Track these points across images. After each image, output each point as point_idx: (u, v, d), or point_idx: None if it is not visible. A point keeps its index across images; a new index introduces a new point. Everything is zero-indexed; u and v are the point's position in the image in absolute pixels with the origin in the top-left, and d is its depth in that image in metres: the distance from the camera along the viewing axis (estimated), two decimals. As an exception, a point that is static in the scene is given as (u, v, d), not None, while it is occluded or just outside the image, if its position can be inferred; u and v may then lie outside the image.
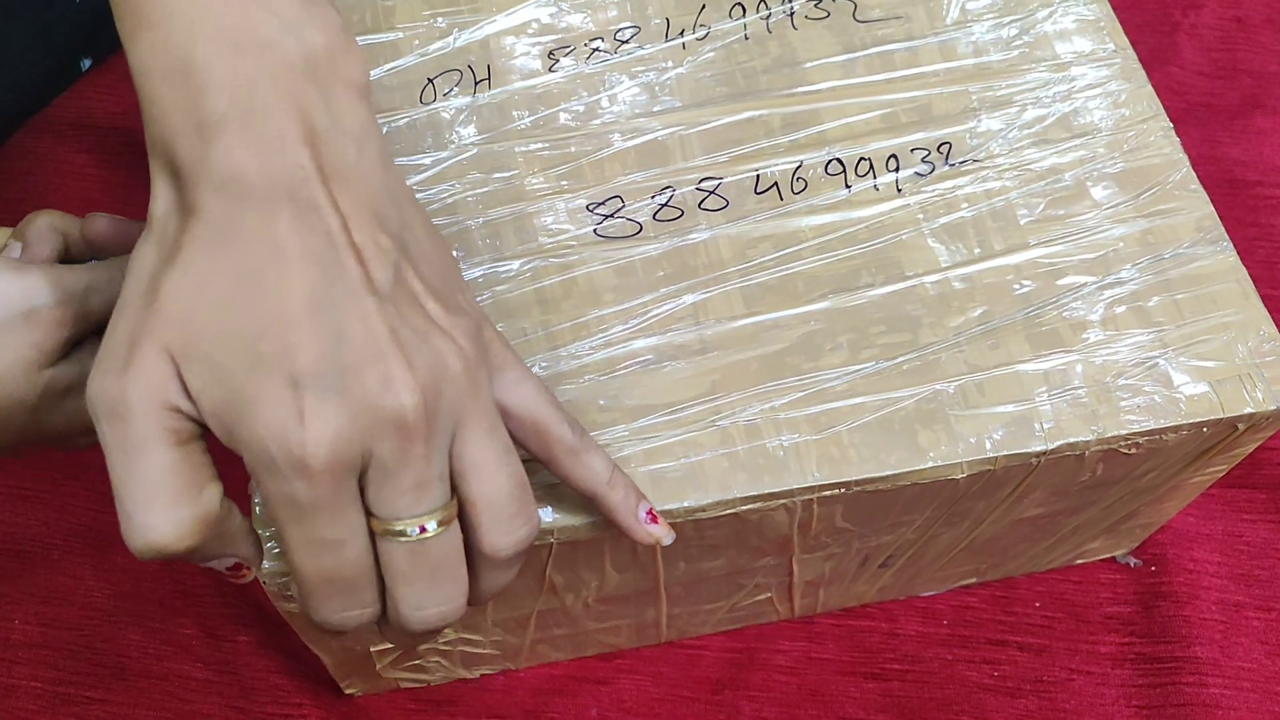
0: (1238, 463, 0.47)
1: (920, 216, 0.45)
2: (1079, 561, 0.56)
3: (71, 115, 0.66)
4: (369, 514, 0.31)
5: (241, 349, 0.29)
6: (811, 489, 0.39)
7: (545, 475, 0.37)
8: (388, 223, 0.32)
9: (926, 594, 0.56)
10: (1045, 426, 0.41)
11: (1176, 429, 0.41)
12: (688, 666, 0.53)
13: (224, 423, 0.29)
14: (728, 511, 0.40)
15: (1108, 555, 0.56)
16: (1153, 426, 0.41)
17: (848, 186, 0.45)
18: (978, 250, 0.44)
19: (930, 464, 0.40)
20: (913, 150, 0.46)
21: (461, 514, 0.32)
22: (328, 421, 0.29)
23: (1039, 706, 0.53)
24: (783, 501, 0.40)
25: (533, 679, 0.53)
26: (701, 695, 0.53)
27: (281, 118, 0.30)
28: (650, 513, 0.37)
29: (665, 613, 0.50)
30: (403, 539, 0.31)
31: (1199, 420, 0.41)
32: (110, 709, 0.52)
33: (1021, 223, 0.45)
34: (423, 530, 0.31)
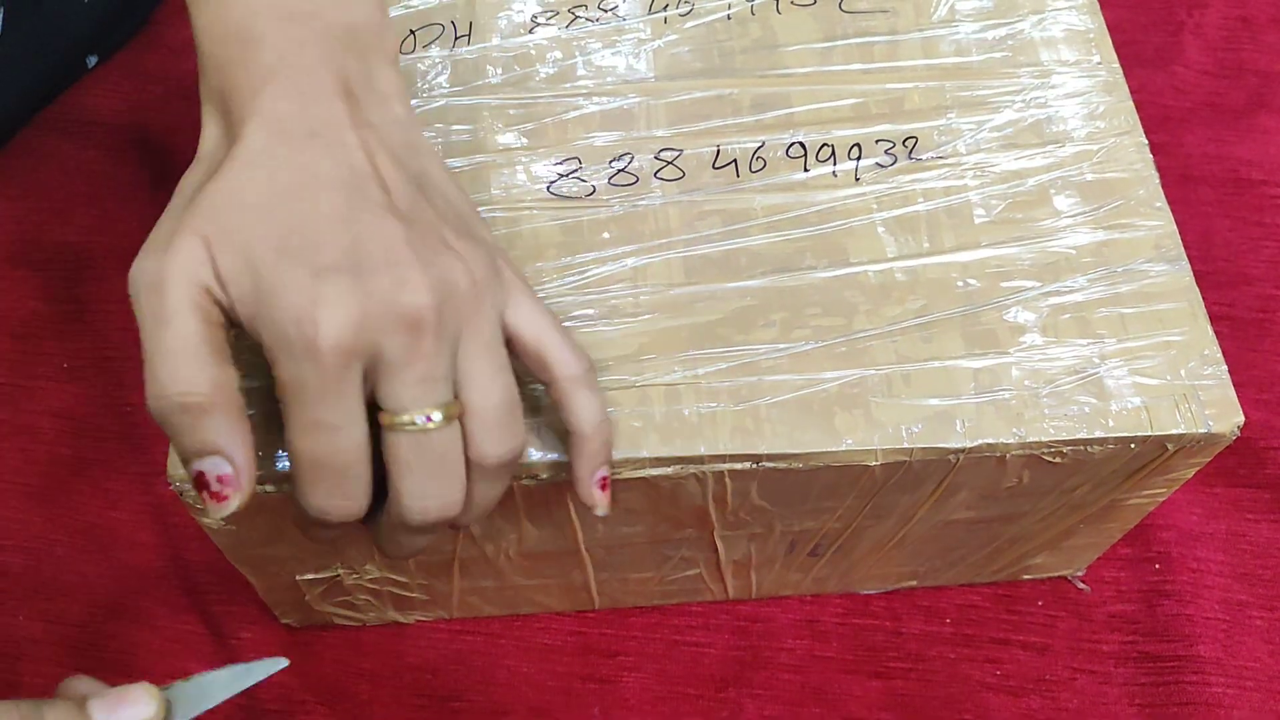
0: (1179, 486, 0.46)
1: (874, 206, 0.45)
2: (1026, 577, 0.56)
3: (77, 112, 0.68)
4: (379, 409, 0.33)
5: (271, 242, 0.32)
6: (721, 458, 0.40)
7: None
8: (408, 166, 0.36)
9: (866, 591, 0.56)
10: (967, 424, 0.40)
11: (1102, 441, 0.41)
12: (691, 664, 0.53)
13: (248, 308, 0.32)
14: (638, 474, 0.40)
15: (1056, 574, 0.56)
16: (1078, 436, 0.41)
17: (806, 170, 0.45)
18: (927, 245, 0.44)
19: (844, 447, 0.40)
20: (877, 141, 0.46)
21: None
22: (342, 308, 0.32)
23: (1042, 705, 0.53)
24: (693, 470, 0.40)
25: (536, 674, 0.53)
26: (705, 693, 0.53)
27: (323, 74, 0.35)
28: (604, 479, 0.38)
29: (593, 577, 0.50)
30: (408, 429, 0.33)
31: (1126, 435, 0.41)
32: (113, 707, 0.52)
33: (976, 222, 0.44)
34: (428, 420, 0.33)
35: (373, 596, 0.50)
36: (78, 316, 0.61)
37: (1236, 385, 0.62)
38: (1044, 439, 0.40)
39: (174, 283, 0.32)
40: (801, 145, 0.46)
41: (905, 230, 0.44)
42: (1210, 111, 0.72)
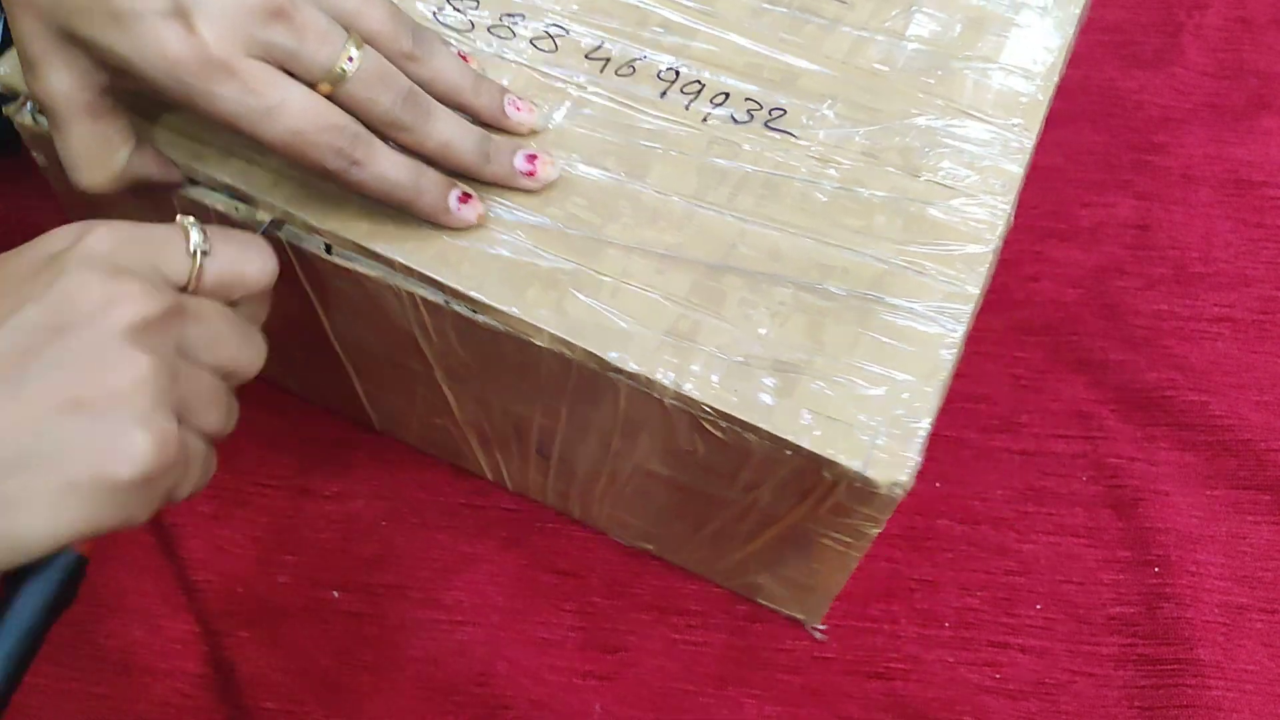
0: (872, 540, 0.45)
1: (703, 147, 0.46)
2: (761, 601, 0.55)
3: None
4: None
5: None
6: (410, 271, 0.42)
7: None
8: None
9: (615, 538, 0.56)
10: (640, 351, 0.41)
11: (756, 430, 0.40)
12: (690, 662, 0.54)
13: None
14: (343, 261, 0.43)
15: (792, 615, 0.55)
16: (734, 414, 0.40)
17: (663, 95, 0.47)
18: (725, 198, 0.45)
19: (514, 310, 0.42)
20: (746, 99, 0.47)
21: None
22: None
23: (1040, 708, 0.54)
24: (384, 278, 0.43)
25: (537, 668, 0.54)
26: (704, 690, 0.54)
27: None
28: None
29: (357, 383, 0.53)
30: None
31: (780, 436, 0.40)
32: (112, 704, 0.52)
33: (786, 201, 0.45)
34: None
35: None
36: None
37: (1236, 387, 0.62)
38: (700, 399, 0.41)
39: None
40: (676, 72, 0.47)
41: (716, 179, 0.45)
42: (1210, 112, 0.73)
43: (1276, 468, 0.60)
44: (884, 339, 0.42)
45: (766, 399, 0.41)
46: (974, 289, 0.44)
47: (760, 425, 0.40)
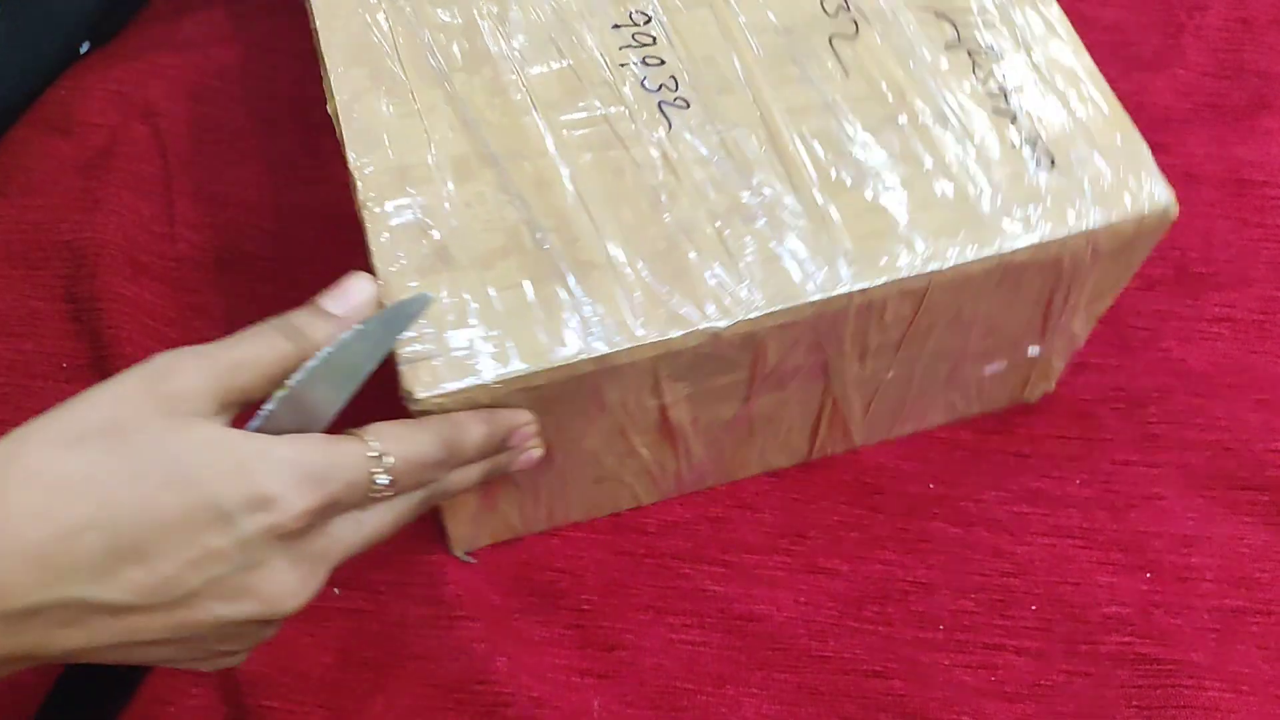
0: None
1: (592, 82, 0.49)
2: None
3: (74, 110, 0.68)
4: None
5: None
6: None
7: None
8: None
9: None
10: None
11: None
12: (689, 661, 0.54)
13: None
14: None
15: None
16: None
17: (616, 27, 0.50)
18: (560, 125, 0.48)
19: None
20: (671, 75, 0.49)
21: None
22: None
23: (1037, 710, 0.53)
24: None
25: (536, 666, 0.54)
26: (703, 689, 0.54)
27: None
28: None
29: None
30: None
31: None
32: (110, 702, 0.51)
33: (604, 163, 0.47)
34: None
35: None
36: (75, 316, 0.61)
37: (1236, 388, 0.63)
38: None
39: None
40: (647, 17, 0.51)
41: (575, 102, 0.48)
42: (1211, 113, 0.73)
43: (1275, 469, 0.59)
44: (537, 304, 0.44)
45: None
46: (649, 337, 0.44)
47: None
